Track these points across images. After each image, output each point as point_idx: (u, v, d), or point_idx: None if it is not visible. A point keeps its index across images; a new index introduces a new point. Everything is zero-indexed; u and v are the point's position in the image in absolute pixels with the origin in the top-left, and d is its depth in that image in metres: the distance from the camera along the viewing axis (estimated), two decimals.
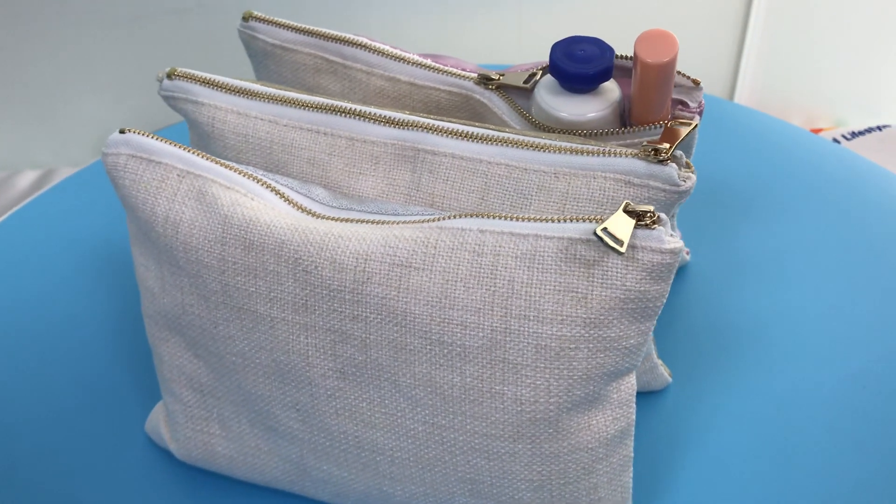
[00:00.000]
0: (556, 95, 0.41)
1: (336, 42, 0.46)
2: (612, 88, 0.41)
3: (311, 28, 0.46)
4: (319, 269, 0.34)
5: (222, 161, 0.38)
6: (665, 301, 0.33)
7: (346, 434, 0.36)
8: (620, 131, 0.40)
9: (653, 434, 0.44)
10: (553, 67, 0.40)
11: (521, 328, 0.32)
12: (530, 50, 1.08)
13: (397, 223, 0.35)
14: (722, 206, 0.56)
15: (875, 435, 0.43)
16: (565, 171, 0.37)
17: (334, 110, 0.40)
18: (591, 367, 0.33)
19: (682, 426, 0.44)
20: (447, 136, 0.39)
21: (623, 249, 0.30)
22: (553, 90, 0.42)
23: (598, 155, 0.37)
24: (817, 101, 1.15)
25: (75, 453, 0.44)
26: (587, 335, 0.32)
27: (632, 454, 0.36)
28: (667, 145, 0.36)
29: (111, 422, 0.46)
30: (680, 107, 0.42)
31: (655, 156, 0.36)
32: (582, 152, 0.37)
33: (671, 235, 0.32)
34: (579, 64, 0.40)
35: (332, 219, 0.36)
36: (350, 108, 0.40)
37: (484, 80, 0.43)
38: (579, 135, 0.40)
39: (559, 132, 0.41)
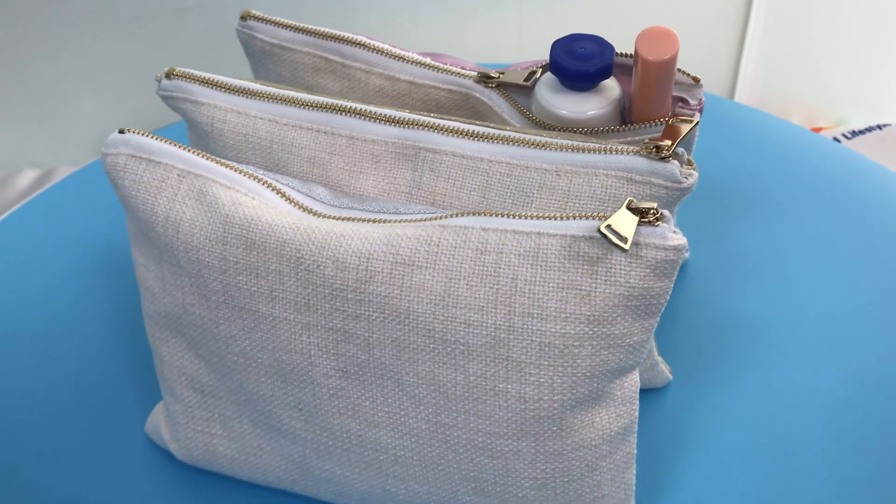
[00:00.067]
0: (557, 93, 0.41)
1: (335, 41, 0.45)
2: (612, 86, 0.41)
3: (310, 27, 0.46)
4: (322, 268, 0.34)
5: (222, 160, 0.37)
6: (668, 298, 0.32)
7: (349, 433, 0.36)
8: (621, 129, 0.40)
9: (653, 432, 0.44)
10: (553, 65, 0.40)
11: (525, 326, 0.32)
12: (530, 49, 1.08)
13: (399, 222, 0.35)
14: (722, 205, 0.56)
15: (876, 434, 0.43)
16: (567, 168, 0.37)
17: (335, 109, 0.40)
18: (594, 365, 0.33)
19: (682, 424, 0.44)
20: (448, 134, 0.39)
21: (627, 246, 0.30)
22: (553, 88, 0.41)
23: (600, 152, 0.37)
24: (818, 100, 1.15)
25: (75, 455, 0.44)
26: (591, 332, 0.32)
27: (635, 451, 0.36)
28: (668, 142, 0.36)
29: (111, 422, 0.45)
30: (680, 104, 0.41)
31: (657, 153, 0.36)
32: (583, 150, 0.37)
33: (674, 232, 0.32)
34: (580, 61, 0.40)
35: (334, 218, 0.36)
36: (350, 107, 0.40)
37: (484, 79, 0.43)
38: (580, 132, 0.40)
39: (560, 130, 0.40)
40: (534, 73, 0.43)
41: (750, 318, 0.49)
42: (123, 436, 0.45)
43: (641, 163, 0.36)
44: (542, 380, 0.33)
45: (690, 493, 0.41)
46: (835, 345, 0.48)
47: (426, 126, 0.39)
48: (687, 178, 0.36)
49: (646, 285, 0.32)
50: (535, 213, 0.33)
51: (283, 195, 0.37)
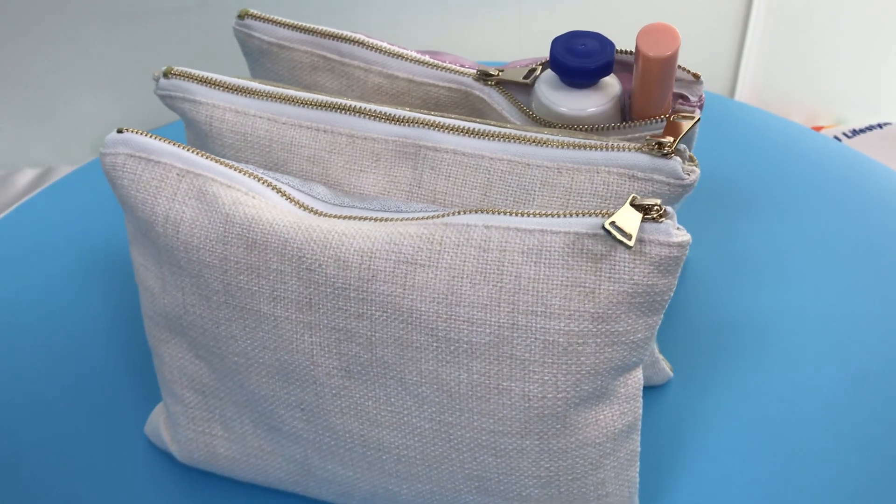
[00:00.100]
0: (557, 90, 0.41)
1: (333, 39, 0.45)
2: (612, 83, 0.41)
3: (308, 26, 0.46)
4: (324, 267, 0.34)
5: (222, 159, 0.37)
6: (672, 295, 0.32)
7: (352, 433, 0.36)
8: (622, 126, 0.40)
9: (655, 430, 0.44)
10: (554, 62, 0.40)
11: (529, 324, 0.32)
12: (531, 49, 1.08)
13: (401, 220, 0.35)
14: (722, 204, 0.56)
15: (876, 433, 0.43)
16: (568, 166, 0.37)
17: (334, 107, 0.40)
18: (598, 362, 0.33)
19: (683, 422, 0.44)
20: (448, 132, 0.39)
21: (631, 243, 0.30)
22: (553, 85, 0.41)
23: (602, 149, 0.36)
24: (818, 99, 1.15)
25: (74, 456, 0.44)
26: (595, 330, 0.32)
27: (638, 449, 0.36)
28: (670, 139, 0.36)
29: (110, 424, 0.45)
30: (680, 101, 0.41)
31: (659, 149, 0.36)
32: (585, 147, 0.37)
33: (678, 229, 0.31)
34: (580, 58, 0.40)
35: (335, 216, 0.35)
36: (350, 105, 0.40)
37: (483, 76, 0.43)
38: (580, 130, 0.40)
39: (560, 127, 0.40)
40: (533, 70, 0.43)
41: (750, 316, 0.49)
42: (123, 437, 0.44)
43: (644, 159, 0.36)
44: (546, 378, 0.33)
45: (692, 491, 0.41)
46: (835, 342, 0.48)
47: (426, 124, 0.39)
48: (689, 175, 0.36)
49: (650, 282, 0.32)
50: (537, 211, 0.33)
51: (284, 194, 0.36)
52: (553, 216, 0.33)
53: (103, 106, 1.08)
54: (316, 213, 0.36)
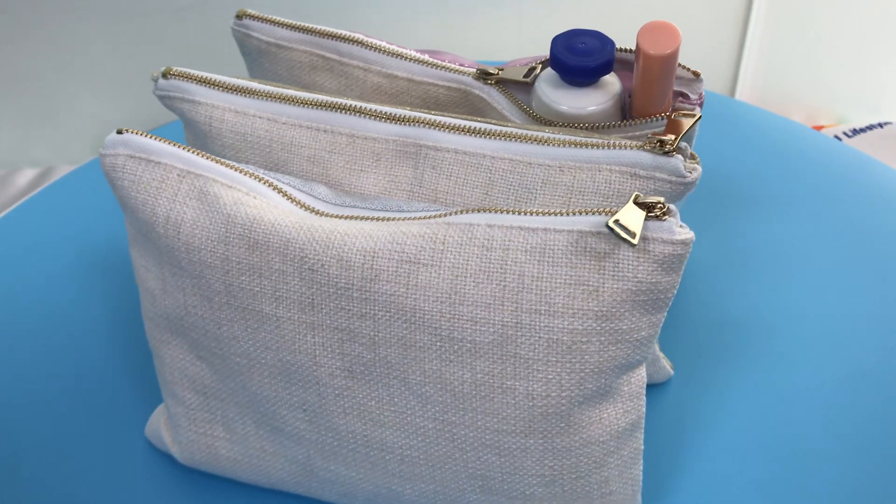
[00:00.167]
0: (557, 89, 0.41)
1: (332, 39, 0.45)
2: (612, 81, 0.41)
3: (307, 25, 0.46)
4: (326, 267, 0.34)
5: (222, 160, 0.37)
6: (675, 292, 0.32)
7: (355, 433, 0.36)
8: (622, 124, 0.40)
9: (655, 428, 0.44)
10: (554, 60, 0.40)
11: (533, 322, 0.32)
12: (531, 48, 1.08)
13: (404, 219, 0.35)
14: (722, 203, 0.56)
15: (877, 432, 0.43)
16: (570, 164, 0.37)
17: (334, 107, 0.40)
18: (602, 361, 0.33)
19: (684, 420, 0.44)
20: (449, 131, 0.39)
21: (636, 241, 0.30)
22: (553, 84, 0.41)
23: (603, 148, 0.36)
24: (818, 98, 1.15)
25: (74, 459, 0.44)
26: (599, 328, 0.32)
27: (642, 447, 0.36)
28: (672, 137, 0.36)
29: (110, 425, 0.45)
30: (680, 99, 0.41)
31: (661, 147, 0.36)
32: (586, 145, 0.37)
33: (681, 226, 0.31)
34: (580, 57, 0.40)
35: (337, 216, 0.35)
36: (350, 105, 0.40)
37: (483, 75, 0.43)
38: (581, 128, 0.40)
39: (561, 126, 0.40)
40: (533, 69, 0.42)
41: (750, 315, 0.49)
42: (123, 439, 0.44)
43: (645, 157, 0.36)
44: (550, 376, 0.33)
45: (693, 489, 0.41)
46: (835, 342, 0.48)
47: (427, 123, 0.39)
48: (691, 173, 0.36)
49: (653, 280, 0.32)
50: (540, 209, 0.33)
51: (285, 194, 0.36)
52: (556, 215, 0.33)
53: (103, 105, 1.07)
54: (317, 213, 0.36)
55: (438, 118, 0.39)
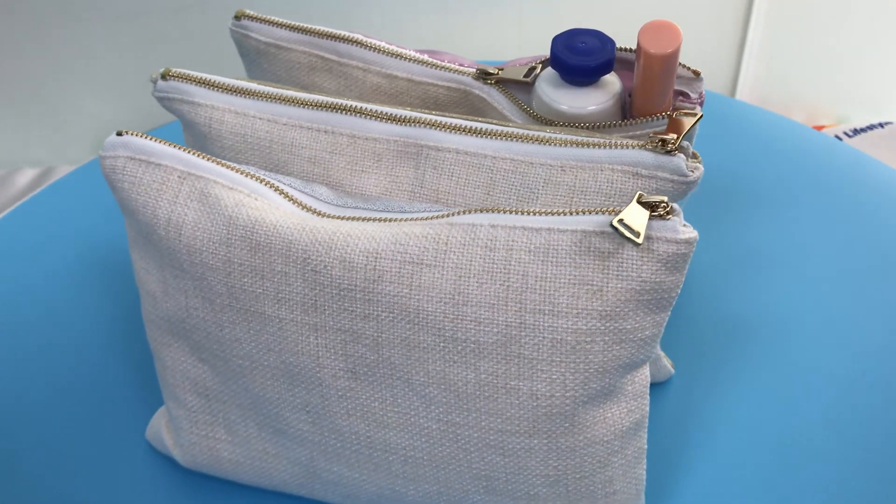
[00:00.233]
0: (557, 88, 0.41)
1: (331, 39, 0.45)
2: (613, 81, 0.41)
3: (306, 26, 0.46)
4: (329, 268, 0.34)
5: (223, 161, 0.37)
6: (679, 291, 0.32)
7: (358, 434, 0.36)
8: (623, 123, 0.40)
9: (656, 427, 0.44)
10: (554, 60, 0.40)
11: (537, 323, 0.32)
12: (531, 48, 1.08)
13: (406, 220, 0.35)
14: (723, 203, 0.56)
15: (880, 431, 0.43)
16: (572, 164, 0.37)
17: (335, 108, 0.40)
18: (606, 360, 0.33)
19: (685, 419, 0.44)
20: (450, 131, 0.38)
21: (640, 241, 0.30)
22: (554, 83, 0.41)
23: (605, 147, 0.36)
24: (819, 98, 1.15)
25: (75, 462, 0.43)
26: (603, 328, 0.32)
27: (645, 446, 0.36)
28: (674, 136, 0.36)
29: (110, 428, 0.45)
30: (681, 98, 0.41)
31: (663, 146, 0.36)
32: (588, 145, 0.37)
33: (685, 225, 0.31)
34: (581, 56, 0.40)
35: (339, 217, 0.35)
36: (351, 106, 0.40)
37: (483, 75, 0.43)
38: (582, 128, 0.40)
39: (562, 125, 0.40)
40: (533, 68, 0.42)
41: (750, 314, 0.49)
42: (124, 441, 0.44)
43: (647, 157, 0.36)
44: (554, 376, 0.33)
45: (696, 488, 0.41)
46: (835, 342, 0.48)
47: (428, 123, 0.39)
48: (693, 172, 0.36)
49: (657, 279, 0.32)
50: (543, 209, 0.33)
51: (286, 195, 0.36)
52: (559, 214, 0.33)
53: (103, 105, 1.07)
54: (319, 214, 0.36)
55: (439, 118, 0.39)
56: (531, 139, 0.37)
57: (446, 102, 0.44)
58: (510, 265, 0.32)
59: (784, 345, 0.47)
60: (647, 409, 0.35)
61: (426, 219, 0.34)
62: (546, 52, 0.44)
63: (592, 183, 0.36)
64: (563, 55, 0.40)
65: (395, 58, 0.44)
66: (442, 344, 0.33)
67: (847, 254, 0.53)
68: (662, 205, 0.31)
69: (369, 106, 0.40)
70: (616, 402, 0.34)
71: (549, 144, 0.37)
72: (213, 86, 0.41)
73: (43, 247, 0.55)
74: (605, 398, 0.34)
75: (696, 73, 0.42)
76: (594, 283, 0.32)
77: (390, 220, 0.35)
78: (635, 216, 0.31)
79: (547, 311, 0.32)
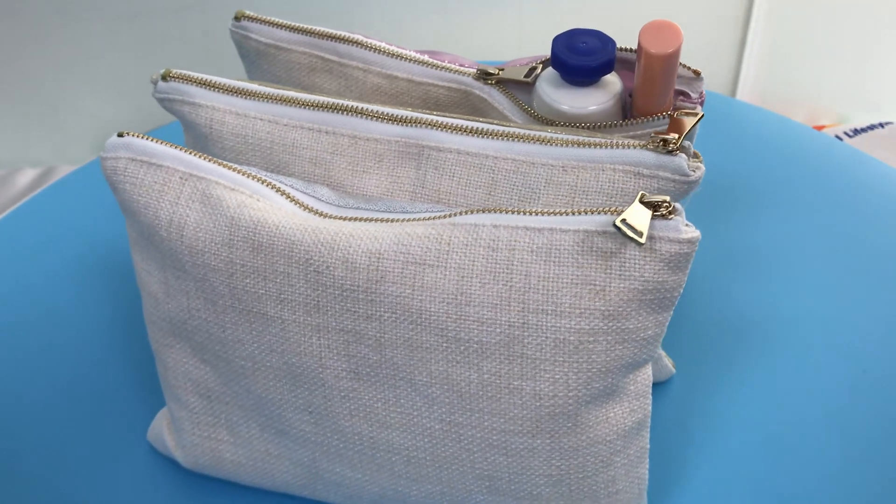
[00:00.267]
0: (558, 88, 0.41)
1: (331, 40, 0.45)
2: (613, 81, 0.41)
3: (305, 26, 0.46)
4: (332, 269, 0.34)
5: (225, 162, 0.37)
6: (682, 291, 0.32)
7: (361, 435, 0.36)
8: (624, 123, 0.40)
9: (657, 426, 0.44)
10: (555, 60, 0.40)
11: (539, 323, 0.32)
12: (531, 48, 1.08)
13: (408, 221, 0.35)
14: (723, 203, 0.56)
15: (881, 430, 0.43)
16: (573, 164, 0.37)
17: (336, 108, 0.40)
18: (609, 360, 0.33)
19: (685, 418, 0.44)
20: (451, 131, 0.38)
21: (643, 240, 0.30)
22: (554, 83, 0.41)
23: (606, 147, 0.36)
24: (819, 98, 1.15)
25: (76, 464, 0.43)
26: (606, 328, 0.32)
27: (648, 445, 0.36)
28: (675, 136, 0.36)
29: (111, 429, 0.45)
30: (681, 97, 0.41)
31: (664, 146, 0.36)
32: (589, 145, 0.37)
33: (687, 225, 0.32)
34: (581, 56, 0.40)
35: (341, 218, 0.35)
36: (352, 106, 0.40)
37: (483, 76, 0.43)
38: (583, 128, 0.40)
39: (563, 125, 0.40)
40: (534, 68, 0.42)
41: (751, 313, 0.49)
42: (125, 443, 0.44)
43: (649, 156, 0.36)
44: (557, 376, 0.33)
45: (697, 488, 0.41)
46: (836, 342, 0.48)
47: (429, 124, 0.39)
48: (694, 171, 0.36)
49: (660, 279, 0.32)
50: (545, 209, 0.33)
51: (288, 196, 0.36)
52: (561, 214, 0.33)
53: (104, 105, 1.07)
54: (321, 214, 0.36)
55: (440, 119, 0.39)
56: (532, 139, 0.37)
57: (447, 103, 0.44)
58: (513, 265, 0.32)
59: (784, 344, 0.48)
60: (650, 408, 0.35)
61: (428, 219, 0.34)
62: (546, 52, 0.44)
63: (594, 183, 0.36)
64: (564, 55, 0.40)
65: (396, 58, 0.44)
66: (445, 344, 0.33)
67: (847, 253, 0.53)
68: (665, 204, 0.31)
69: (370, 106, 0.40)
70: (619, 401, 0.34)
71: (551, 144, 0.37)
72: (213, 87, 0.41)
73: (44, 247, 0.55)
74: (607, 398, 0.34)
75: (697, 73, 0.42)
76: (597, 282, 0.32)
77: (392, 221, 0.35)
78: (638, 216, 0.31)
79: (550, 311, 0.32)
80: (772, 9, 1.08)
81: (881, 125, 1.09)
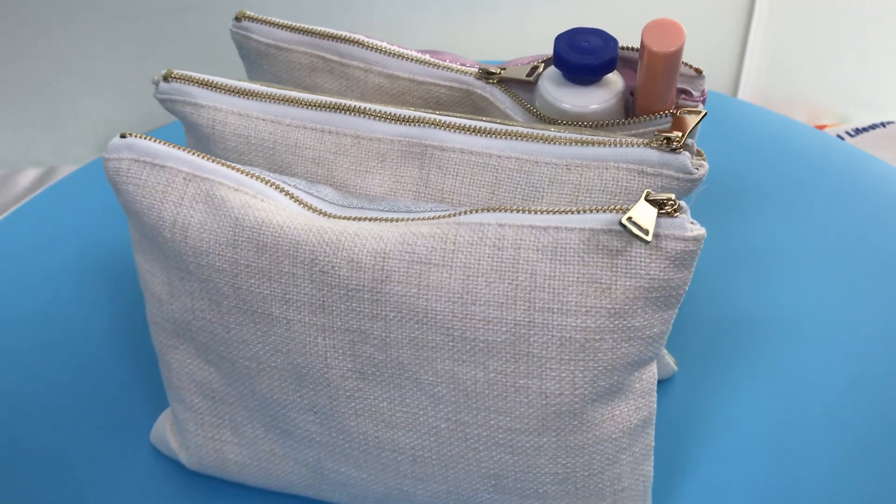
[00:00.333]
0: (560, 87, 0.41)
1: (332, 40, 0.45)
2: (615, 79, 0.41)
3: (306, 26, 0.46)
4: (337, 268, 0.34)
5: (228, 163, 0.37)
6: (687, 289, 0.32)
7: (366, 435, 0.36)
8: (626, 122, 0.40)
9: (659, 423, 0.44)
10: (558, 59, 0.40)
11: (546, 321, 0.32)
12: (533, 48, 1.08)
13: (413, 220, 0.35)
14: (724, 202, 0.56)
15: (882, 430, 0.43)
16: (577, 162, 0.37)
17: (338, 108, 0.40)
18: (615, 358, 0.33)
19: (688, 416, 0.44)
20: (454, 131, 0.39)
21: (649, 238, 0.30)
22: (557, 82, 0.41)
23: (610, 145, 0.36)
24: (821, 98, 1.15)
25: (78, 466, 0.43)
26: (612, 326, 0.32)
27: (653, 443, 0.36)
28: (678, 134, 0.36)
29: (113, 431, 0.45)
30: (683, 96, 0.41)
31: (668, 144, 0.36)
32: (593, 143, 0.37)
33: (692, 223, 0.32)
34: (584, 55, 0.40)
35: (346, 218, 0.35)
36: (355, 106, 0.40)
37: (485, 75, 0.43)
38: (586, 126, 0.40)
39: (566, 124, 0.40)
40: (536, 67, 0.43)
41: (752, 312, 0.49)
42: (128, 445, 0.44)
43: (652, 155, 0.36)
44: (564, 374, 0.33)
45: (699, 485, 0.41)
46: (837, 341, 0.48)
47: (432, 123, 0.39)
48: (698, 169, 0.36)
49: (666, 277, 0.32)
50: (550, 208, 0.33)
51: (292, 196, 0.36)
52: (566, 213, 0.33)
53: (106, 105, 1.07)
54: (326, 214, 0.36)
55: (443, 118, 0.39)
56: (536, 138, 0.37)
57: (449, 102, 0.44)
58: (518, 264, 0.32)
59: (785, 341, 0.48)
60: (655, 406, 0.35)
61: (433, 218, 0.34)
62: (548, 51, 0.44)
63: (598, 181, 0.36)
64: (567, 54, 0.40)
65: (397, 58, 0.44)
66: (451, 343, 0.33)
67: (849, 252, 0.53)
68: (670, 202, 0.31)
69: (373, 106, 0.40)
70: (624, 399, 0.34)
71: (554, 143, 0.37)
72: (215, 87, 0.41)
73: (45, 247, 0.55)
74: (613, 396, 0.34)
75: (699, 71, 0.42)
76: (603, 281, 0.32)
77: (397, 220, 0.35)
78: (644, 214, 0.31)
79: (556, 310, 0.32)
80: (773, 8, 1.08)
81: (882, 125, 1.09)
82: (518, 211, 0.33)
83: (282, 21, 0.46)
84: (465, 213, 0.34)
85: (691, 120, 0.37)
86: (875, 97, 1.15)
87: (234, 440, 0.39)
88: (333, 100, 0.40)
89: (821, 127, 1.13)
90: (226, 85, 0.41)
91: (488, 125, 0.38)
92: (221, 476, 0.41)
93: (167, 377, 0.40)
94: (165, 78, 0.42)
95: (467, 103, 0.44)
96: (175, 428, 0.41)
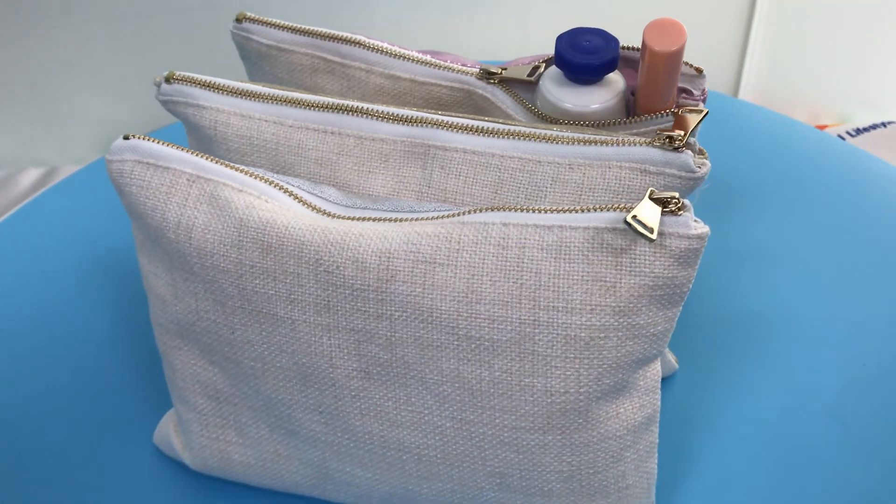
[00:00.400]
0: (562, 87, 0.41)
1: (333, 41, 0.45)
2: (616, 79, 0.41)
3: (307, 27, 0.46)
4: (342, 268, 0.34)
5: (231, 164, 0.37)
6: (691, 287, 0.33)
7: (371, 434, 0.36)
8: (628, 121, 0.40)
9: (661, 420, 0.44)
10: (559, 58, 0.40)
11: (550, 320, 0.32)
12: (534, 48, 1.08)
13: (417, 220, 0.35)
14: (725, 202, 0.57)
15: (883, 429, 0.44)
16: (580, 161, 0.37)
17: (341, 109, 0.40)
18: (620, 356, 0.33)
19: (690, 414, 0.44)
20: (457, 131, 0.39)
21: (654, 236, 0.31)
22: (558, 82, 0.41)
23: (612, 145, 0.37)
24: (822, 98, 1.15)
25: (80, 468, 0.43)
26: (616, 324, 0.32)
27: (657, 440, 0.36)
28: (681, 132, 0.36)
29: (115, 432, 0.45)
30: (683, 95, 0.42)
31: (670, 143, 0.36)
32: (595, 142, 0.37)
33: (696, 221, 0.32)
34: (585, 55, 0.40)
35: (350, 218, 0.35)
36: (357, 107, 0.40)
37: (486, 75, 0.43)
38: (587, 126, 0.40)
39: (568, 124, 0.40)
40: (537, 67, 0.43)
41: (752, 311, 0.49)
42: (131, 446, 0.44)
43: (655, 153, 0.36)
44: (569, 373, 0.33)
45: (701, 483, 0.41)
46: (839, 341, 0.48)
47: (434, 123, 0.39)
48: (700, 168, 0.36)
49: (670, 274, 0.32)
50: (553, 207, 0.33)
51: (296, 197, 0.36)
52: (570, 212, 0.33)
53: (108, 105, 1.07)
54: (330, 215, 0.36)
55: (446, 118, 0.39)
56: (538, 137, 0.38)
57: (450, 102, 0.44)
58: (523, 263, 0.32)
59: (786, 339, 0.48)
60: (659, 403, 0.35)
61: (437, 218, 0.35)
62: (549, 51, 0.45)
63: (601, 180, 0.37)
64: (568, 54, 0.40)
65: (398, 58, 0.44)
66: (456, 342, 0.33)
67: (849, 252, 0.53)
68: (674, 201, 0.31)
69: (375, 107, 0.40)
70: (629, 397, 0.34)
71: (557, 143, 0.37)
72: (217, 88, 0.41)
73: (47, 248, 0.55)
74: (618, 393, 0.34)
75: (699, 71, 0.42)
76: (607, 279, 0.32)
77: (401, 220, 0.35)
78: (648, 212, 0.31)
79: (560, 308, 0.32)
80: (774, 8, 1.08)
81: (883, 125, 1.09)
82: (522, 210, 0.33)
83: (282, 22, 0.46)
84: (470, 212, 0.34)
85: (693, 119, 0.37)
86: (875, 97, 1.15)
87: (238, 441, 0.39)
88: (336, 100, 0.40)
89: (821, 127, 1.13)
90: (228, 86, 0.41)
91: (490, 125, 0.38)
92: (225, 477, 0.41)
93: (171, 378, 0.40)
94: (167, 79, 0.42)
95: (469, 103, 0.44)
96: (179, 429, 0.41)
